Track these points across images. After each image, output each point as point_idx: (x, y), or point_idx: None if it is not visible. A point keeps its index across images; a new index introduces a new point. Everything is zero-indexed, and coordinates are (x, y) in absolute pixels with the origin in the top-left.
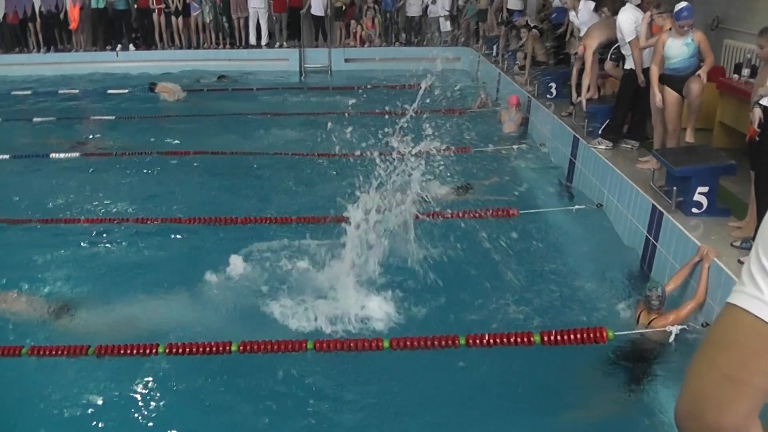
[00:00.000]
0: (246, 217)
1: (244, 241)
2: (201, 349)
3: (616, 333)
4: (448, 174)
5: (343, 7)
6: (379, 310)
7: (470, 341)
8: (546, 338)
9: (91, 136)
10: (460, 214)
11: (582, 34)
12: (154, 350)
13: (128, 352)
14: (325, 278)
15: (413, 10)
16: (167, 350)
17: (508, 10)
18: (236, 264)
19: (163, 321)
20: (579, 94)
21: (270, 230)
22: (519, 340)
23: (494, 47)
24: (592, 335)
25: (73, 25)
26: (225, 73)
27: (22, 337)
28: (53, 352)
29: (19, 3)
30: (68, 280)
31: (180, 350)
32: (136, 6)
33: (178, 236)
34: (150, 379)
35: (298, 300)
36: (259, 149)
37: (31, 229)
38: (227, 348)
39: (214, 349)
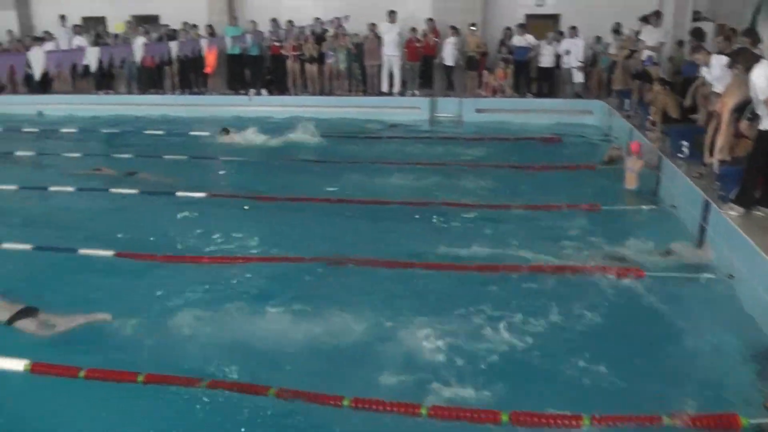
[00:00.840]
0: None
1: (364, 287)
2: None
3: (751, 421)
4: (576, 231)
5: (476, 57)
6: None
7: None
8: (673, 421)
9: (217, 177)
10: (586, 269)
11: (714, 89)
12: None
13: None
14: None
15: (546, 60)
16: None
17: (642, 61)
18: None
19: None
20: (711, 153)
21: (394, 276)
22: (648, 422)
23: (626, 101)
24: (722, 421)
25: (208, 69)
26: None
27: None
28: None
29: (156, 50)
30: (185, 314)
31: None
32: (269, 53)
33: (300, 277)
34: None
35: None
36: (385, 197)
37: (154, 266)
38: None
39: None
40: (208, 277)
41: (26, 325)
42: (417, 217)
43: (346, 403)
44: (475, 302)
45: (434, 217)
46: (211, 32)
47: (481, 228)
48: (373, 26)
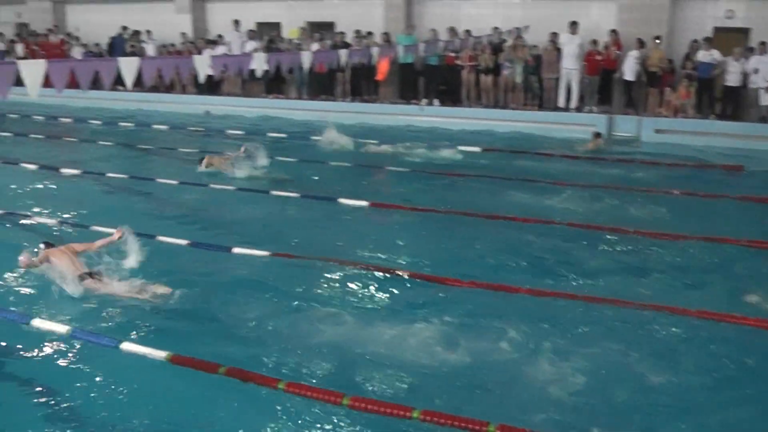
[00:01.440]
0: (530, 289)
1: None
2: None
3: None
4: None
5: (658, 73)
6: None
7: None
8: None
9: (383, 187)
10: None
11: None
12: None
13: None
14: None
15: (732, 79)
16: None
17: None
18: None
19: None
20: None
21: (553, 305)
22: None
23: None
24: None
25: (379, 77)
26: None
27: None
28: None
29: (326, 57)
30: (332, 321)
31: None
32: (445, 62)
33: (443, 296)
34: None
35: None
36: (551, 217)
37: (311, 266)
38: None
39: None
40: (360, 285)
41: (91, 284)
42: (584, 243)
43: (491, 429)
44: (636, 342)
45: (600, 243)
46: (387, 40)
47: (650, 259)
48: (553, 37)
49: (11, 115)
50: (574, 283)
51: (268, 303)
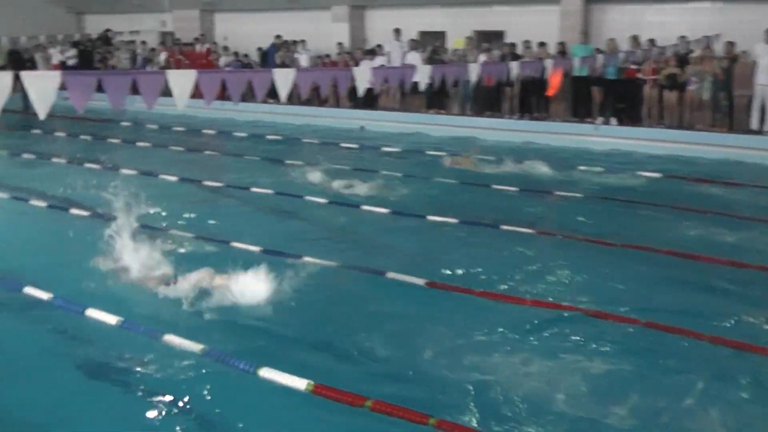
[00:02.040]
0: (719, 337)
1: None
2: None
3: None
4: None
5: None
6: None
7: None
8: None
9: (551, 214)
10: None
11: None
12: None
13: None
14: None
15: None
16: None
17: None
18: None
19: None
20: None
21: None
22: None
23: None
24: None
25: (550, 92)
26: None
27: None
28: None
29: (495, 70)
30: (484, 357)
31: None
32: (624, 75)
33: (616, 337)
34: None
35: None
36: (738, 258)
37: (468, 299)
38: None
39: None
40: (522, 322)
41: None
42: None
43: None
44: None
45: None
46: (562, 50)
47: None
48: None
49: (150, 126)
50: None
51: (418, 334)
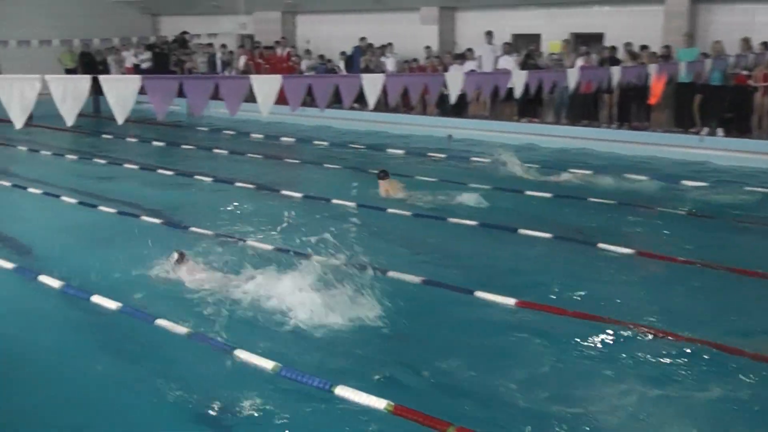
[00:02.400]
0: None
1: None
2: None
3: None
4: None
5: None
6: None
7: None
8: None
9: (652, 232)
10: None
11: None
12: None
13: None
14: None
15: None
16: None
17: None
18: None
19: None
20: None
21: None
22: None
23: None
24: None
25: (652, 100)
26: None
27: None
28: None
29: (595, 75)
30: (576, 382)
31: None
32: (733, 82)
33: (728, 367)
34: None
35: None
36: None
37: (563, 321)
38: None
39: None
40: (623, 347)
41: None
42: None
43: None
44: None
45: None
46: (667, 54)
47: None
48: None
49: (227, 132)
50: None
51: (507, 356)
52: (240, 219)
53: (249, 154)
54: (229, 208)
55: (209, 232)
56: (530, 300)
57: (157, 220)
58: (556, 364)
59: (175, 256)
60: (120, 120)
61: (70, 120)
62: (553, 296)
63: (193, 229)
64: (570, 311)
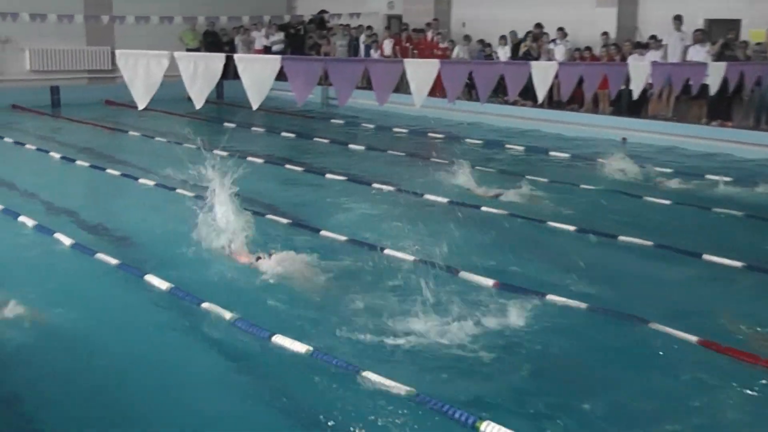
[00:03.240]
0: None
1: None
2: None
3: None
4: None
5: None
6: None
7: None
8: None
9: None
10: None
11: None
12: None
13: None
14: None
15: None
16: None
17: None
18: None
19: None
20: None
21: None
22: None
23: None
24: None
25: None
26: None
27: None
28: None
29: None
30: None
31: None
32: None
33: None
34: None
35: None
36: None
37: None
38: None
39: None
40: None
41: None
42: None
43: None
44: None
45: None
46: None
47: None
48: None
49: (365, 125)
50: None
51: (688, 403)
52: (374, 224)
53: (390, 151)
54: (362, 211)
55: (340, 237)
56: (718, 341)
57: (282, 220)
58: (746, 418)
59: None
60: (255, 104)
61: (199, 102)
62: (745, 339)
63: (324, 233)
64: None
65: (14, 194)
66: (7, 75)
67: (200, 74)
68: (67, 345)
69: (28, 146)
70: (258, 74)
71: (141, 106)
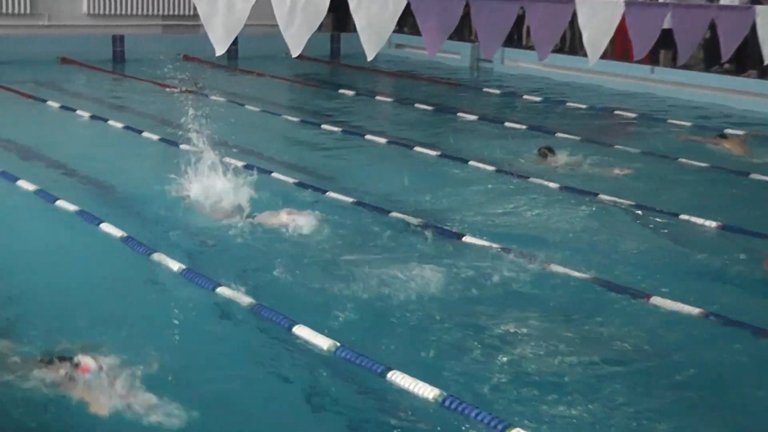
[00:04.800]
0: None
1: None
2: None
3: None
4: None
5: None
6: None
7: None
8: None
9: None
10: None
11: None
12: None
13: None
14: None
15: None
16: None
17: None
18: None
19: None
20: None
21: None
22: None
23: None
24: None
25: None
26: None
27: None
28: None
29: None
30: None
31: None
32: None
33: None
34: None
35: None
36: None
37: None
38: None
39: None
40: None
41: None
42: None
43: None
44: None
45: None
46: None
47: None
48: None
49: (527, 97)
50: None
51: None
52: (534, 230)
53: (560, 134)
54: (517, 213)
55: (487, 244)
56: None
57: (412, 219)
58: None
59: None
60: (370, 53)
61: (296, 49)
62: None
63: (467, 239)
64: None
65: (59, 177)
66: (57, 19)
67: (299, 11)
68: None
69: (79, 112)
70: (376, 14)
71: (219, 51)
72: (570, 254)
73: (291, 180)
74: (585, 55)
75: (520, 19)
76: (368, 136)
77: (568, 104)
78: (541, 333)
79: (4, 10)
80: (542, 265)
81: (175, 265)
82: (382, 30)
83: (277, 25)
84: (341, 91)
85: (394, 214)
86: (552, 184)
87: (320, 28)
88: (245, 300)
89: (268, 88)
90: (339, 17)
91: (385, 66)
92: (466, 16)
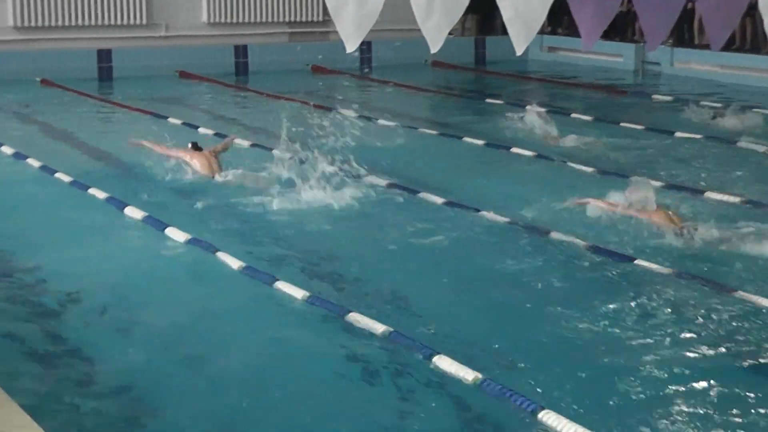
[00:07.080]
0: None
1: None
2: None
3: None
4: None
5: None
6: None
7: None
8: None
9: None
10: None
11: None
12: None
13: None
14: None
15: None
16: None
17: None
18: None
19: None
20: None
21: None
22: None
23: None
24: None
25: None
26: None
27: None
28: None
29: None
30: None
31: None
32: None
33: None
34: None
35: None
36: None
37: None
38: None
39: None
40: None
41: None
42: None
43: None
44: None
45: None
46: None
47: None
48: None
49: (704, 103)
50: None
51: None
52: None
53: (744, 143)
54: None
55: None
56: None
57: (579, 242)
58: None
59: None
60: (519, 47)
61: (435, 44)
62: None
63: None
64: None
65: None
66: (176, 29)
67: (438, 3)
68: None
69: (201, 130)
70: (525, 1)
71: (349, 48)
72: None
73: (439, 200)
74: None
75: (689, 14)
76: (515, 149)
77: (755, 110)
78: None
79: (120, 21)
80: None
81: None
82: (533, 20)
83: (415, 29)
84: (487, 100)
85: (553, 234)
86: (736, 200)
87: (463, 32)
88: None
89: (405, 100)
90: (484, 18)
91: (536, 72)
92: (627, 14)
